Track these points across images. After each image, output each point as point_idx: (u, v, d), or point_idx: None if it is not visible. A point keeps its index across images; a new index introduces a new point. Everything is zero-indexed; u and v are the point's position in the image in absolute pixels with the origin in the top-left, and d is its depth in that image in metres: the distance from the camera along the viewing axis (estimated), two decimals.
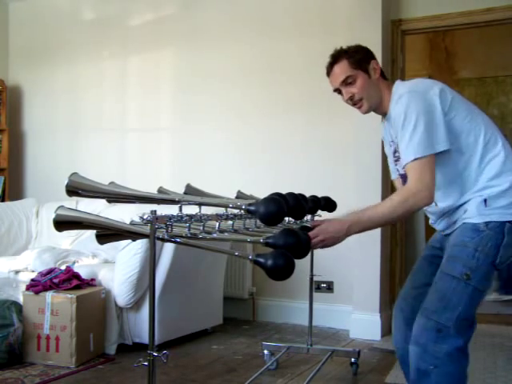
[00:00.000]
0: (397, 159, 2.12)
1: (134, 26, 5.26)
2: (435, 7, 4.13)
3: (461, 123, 1.95)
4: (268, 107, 4.63)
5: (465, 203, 1.94)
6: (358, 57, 2.12)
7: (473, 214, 1.91)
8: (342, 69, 2.12)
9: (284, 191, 2.07)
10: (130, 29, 5.26)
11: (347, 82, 2.11)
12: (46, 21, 5.65)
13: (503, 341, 4.01)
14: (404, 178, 2.03)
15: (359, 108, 2.15)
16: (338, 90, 2.16)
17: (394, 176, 2.22)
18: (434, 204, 1.99)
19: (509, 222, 1.87)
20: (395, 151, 2.12)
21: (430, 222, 2.16)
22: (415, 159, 1.88)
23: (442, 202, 2.00)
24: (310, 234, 1.92)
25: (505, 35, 5.32)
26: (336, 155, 4.38)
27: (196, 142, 4.92)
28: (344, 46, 2.17)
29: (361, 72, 2.10)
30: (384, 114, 2.15)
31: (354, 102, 2.13)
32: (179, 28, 5.01)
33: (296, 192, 2.16)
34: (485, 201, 1.89)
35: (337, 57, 2.15)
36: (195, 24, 4.94)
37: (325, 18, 4.44)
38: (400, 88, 2.03)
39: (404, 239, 4.39)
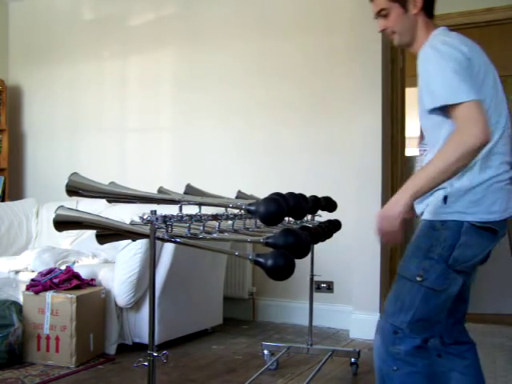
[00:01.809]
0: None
1: (134, 26, 5.26)
2: (435, 7, 4.12)
3: (484, 95, 1.78)
4: (268, 107, 4.63)
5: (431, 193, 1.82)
6: None
7: (431, 211, 1.83)
8: (378, 0, 1.97)
9: (284, 191, 2.07)
10: (130, 29, 5.26)
11: (381, 14, 1.97)
12: (45, 21, 5.65)
13: (503, 341, 4.01)
14: (421, 134, 1.86)
15: (392, 39, 2.02)
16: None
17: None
18: None
19: (467, 221, 1.78)
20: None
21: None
22: (458, 103, 1.66)
23: None
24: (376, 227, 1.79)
25: (505, 35, 5.32)
26: (336, 155, 4.38)
27: (196, 141, 4.92)
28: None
29: (397, 5, 1.94)
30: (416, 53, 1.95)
31: (386, 33, 2.01)
32: (179, 28, 5.01)
33: (296, 192, 2.16)
34: (445, 198, 1.79)
35: None
36: (195, 24, 4.94)
37: (325, 18, 4.43)
38: (437, 37, 1.87)
39: (404, 239, 4.38)
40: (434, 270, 1.80)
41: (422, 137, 1.95)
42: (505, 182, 1.82)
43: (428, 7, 1.99)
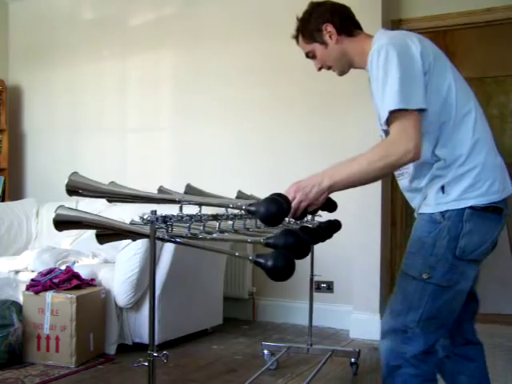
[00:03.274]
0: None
1: (133, 26, 5.26)
2: (435, 7, 4.13)
3: (441, 85, 1.77)
4: (268, 107, 4.63)
5: (427, 184, 1.82)
6: (310, 28, 2.00)
7: (430, 203, 1.79)
8: (301, 45, 2.06)
9: (284, 191, 2.07)
10: (130, 29, 5.26)
11: (309, 56, 2.04)
12: (45, 21, 5.65)
13: (503, 341, 4.01)
14: (387, 134, 1.84)
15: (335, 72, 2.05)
16: None
17: (379, 134, 2.00)
18: (406, 179, 1.88)
19: (469, 207, 1.73)
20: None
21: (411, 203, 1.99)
22: (398, 110, 1.68)
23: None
24: (287, 197, 1.74)
25: (505, 35, 5.31)
26: (336, 155, 4.32)
27: (196, 141, 4.92)
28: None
29: (316, 44, 2.00)
30: (365, 67, 1.95)
31: (325, 69, 2.04)
32: (179, 28, 5.01)
33: None
34: (442, 188, 1.76)
35: (296, 30, 2.07)
36: (195, 24, 4.94)
37: None
38: (380, 39, 1.83)
39: (404, 239, 4.39)
40: (441, 265, 1.74)
41: None
42: (498, 162, 1.82)
43: (345, 29, 1.98)
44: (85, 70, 5.41)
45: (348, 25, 1.99)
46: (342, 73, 2.05)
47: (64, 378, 3.10)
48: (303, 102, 4.51)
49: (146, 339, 3.42)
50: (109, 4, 5.37)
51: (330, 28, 1.96)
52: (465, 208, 1.73)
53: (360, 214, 4.05)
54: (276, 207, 1.55)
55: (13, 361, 3.26)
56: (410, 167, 1.84)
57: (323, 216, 3.08)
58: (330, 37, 1.97)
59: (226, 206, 1.85)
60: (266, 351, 3.43)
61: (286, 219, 2.45)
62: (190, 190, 2.25)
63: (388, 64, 1.72)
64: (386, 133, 1.81)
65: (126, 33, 5.26)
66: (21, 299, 3.41)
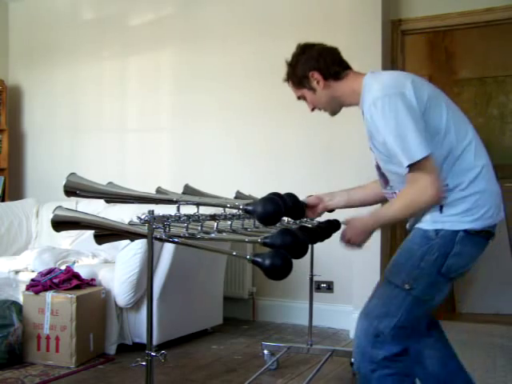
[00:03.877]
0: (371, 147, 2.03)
1: (134, 26, 5.26)
2: (435, 7, 4.13)
3: (438, 123, 1.85)
4: (268, 107, 4.62)
5: None
6: (298, 74, 2.07)
7: (426, 219, 1.87)
8: (292, 89, 2.13)
9: (284, 192, 2.07)
10: (130, 29, 5.26)
11: (301, 99, 2.13)
12: (45, 21, 5.65)
13: (503, 341, 4.00)
14: (379, 169, 2.00)
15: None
16: None
17: (374, 163, 2.10)
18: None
19: (463, 230, 1.82)
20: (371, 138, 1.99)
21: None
22: (421, 159, 1.75)
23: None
24: (342, 232, 2.00)
25: (505, 35, 5.32)
26: (336, 156, 4.38)
27: (196, 141, 4.92)
28: (290, 55, 2.13)
29: (305, 90, 2.07)
30: (357, 105, 2.02)
31: (319, 110, 2.12)
32: (179, 28, 5.01)
33: (296, 192, 2.16)
34: (440, 207, 1.83)
35: (286, 75, 2.15)
36: (195, 24, 4.94)
37: (325, 18, 4.43)
38: (373, 87, 1.88)
39: (404, 239, 4.39)
40: (424, 279, 1.83)
41: (386, 181, 2.00)
42: (494, 188, 1.88)
43: (332, 74, 2.01)
44: (85, 70, 5.41)
45: (335, 69, 2.02)
46: (333, 113, 2.11)
47: (64, 378, 3.10)
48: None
49: (145, 339, 3.40)
50: (109, 4, 5.37)
51: (316, 75, 2.01)
52: (459, 230, 1.82)
53: (359, 214, 4.04)
54: (273, 207, 1.56)
55: (13, 361, 3.26)
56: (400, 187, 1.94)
57: (323, 216, 3.09)
58: (318, 83, 2.02)
59: (224, 206, 1.85)
60: (266, 351, 3.43)
61: (285, 219, 2.46)
62: (188, 190, 2.25)
63: (397, 114, 1.77)
64: (378, 168, 2.02)
65: (126, 33, 5.26)
66: (21, 299, 3.41)
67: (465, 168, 1.84)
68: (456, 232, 1.81)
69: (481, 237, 1.85)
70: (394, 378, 1.85)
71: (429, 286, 1.84)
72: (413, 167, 1.77)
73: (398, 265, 1.90)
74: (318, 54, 2.05)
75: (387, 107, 1.78)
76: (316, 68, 2.01)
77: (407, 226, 2.03)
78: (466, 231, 1.81)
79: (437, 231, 1.83)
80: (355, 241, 1.97)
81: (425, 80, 1.96)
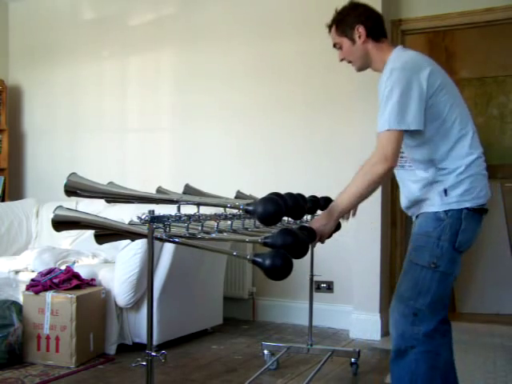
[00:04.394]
0: None
1: (134, 26, 5.26)
2: (435, 7, 4.13)
3: (442, 109, 2.05)
4: (268, 107, 4.62)
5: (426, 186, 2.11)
6: (344, 23, 2.24)
7: (435, 203, 2.07)
8: (332, 35, 2.30)
9: (284, 191, 2.07)
10: (130, 29, 5.26)
11: (336, 47, 2.29)
12: (45, 21, 5.65)
13: (503, 341, 4.00)
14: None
15: (353, 66, 2.30)
16: None
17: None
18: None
19: (466, 208, 2.05)
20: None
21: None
22: (386, 130, 2.00)
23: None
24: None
25: (505, 35, 5.32)
26: (336, 155, 4.38)
27: (196, 141, 4.92)
28: (341, 5, 2.28)
29: (345, 39, 2.24)
30: (381, 71, 2.22)
31: (347, 62, 2.29)
32: (179, 28, 5.01)
33: (296, 192, 2.16)
34: (445, 191, 2.06)
35: (332, 21, 2.31)
36: (195, 24, 4.94)
37: (325, 18, 4.40)
38: (396, 60, 2.10)
39: (404, 239, 4.39)
40: (445, 256, 2.05)
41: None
42: (483, 173, 2.12)
43: (374, 34, 2.22)
44: (85, 69, 5.41)
45: (377, 31, 2.23)
46: (359, 69, 2.31)
47: (64, 378, 3.10)
48: (303, 102, 4.50)
49: (145, 339, 3.40)
50: (109, 4, 5.37)
51: (361, 29, 2.21)
52: (463, 209, 2.06)
53: (360, 214, 4.04)
54: (273, 206, 1.56)
55: (13, 361, 3.26)
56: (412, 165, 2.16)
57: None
58: (359, 37, 2.21)
59: (224, 206, 1.85)
60: (265, 351, 3.43)
61: (285, 219, 2.46)
62: (188, 190, 2.25)
63: (394, 86, 2.00)
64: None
65: (126, 33, 5.26)
66: (21, 299, 3.41)
67: (462, 154, 2.06)
68: (461, 210, 2.05)
69: (478, 213, 2.08)
70: (429, 355, 2.04)
71: (450, 262, 2.06)
72: (379, 135, 2.03)
73: (420, 248, 2.09)
74: (368, 13, 2.25)
75: (398, 78, 2.00)
76: (363, 23, 2.21)
77: (409, 213, 2.25)
78: (467, 209, 2.05)
79: (446, 212, 2.05)
80: (326, 234, 2.11)
81: (443, 71, 2.14)
